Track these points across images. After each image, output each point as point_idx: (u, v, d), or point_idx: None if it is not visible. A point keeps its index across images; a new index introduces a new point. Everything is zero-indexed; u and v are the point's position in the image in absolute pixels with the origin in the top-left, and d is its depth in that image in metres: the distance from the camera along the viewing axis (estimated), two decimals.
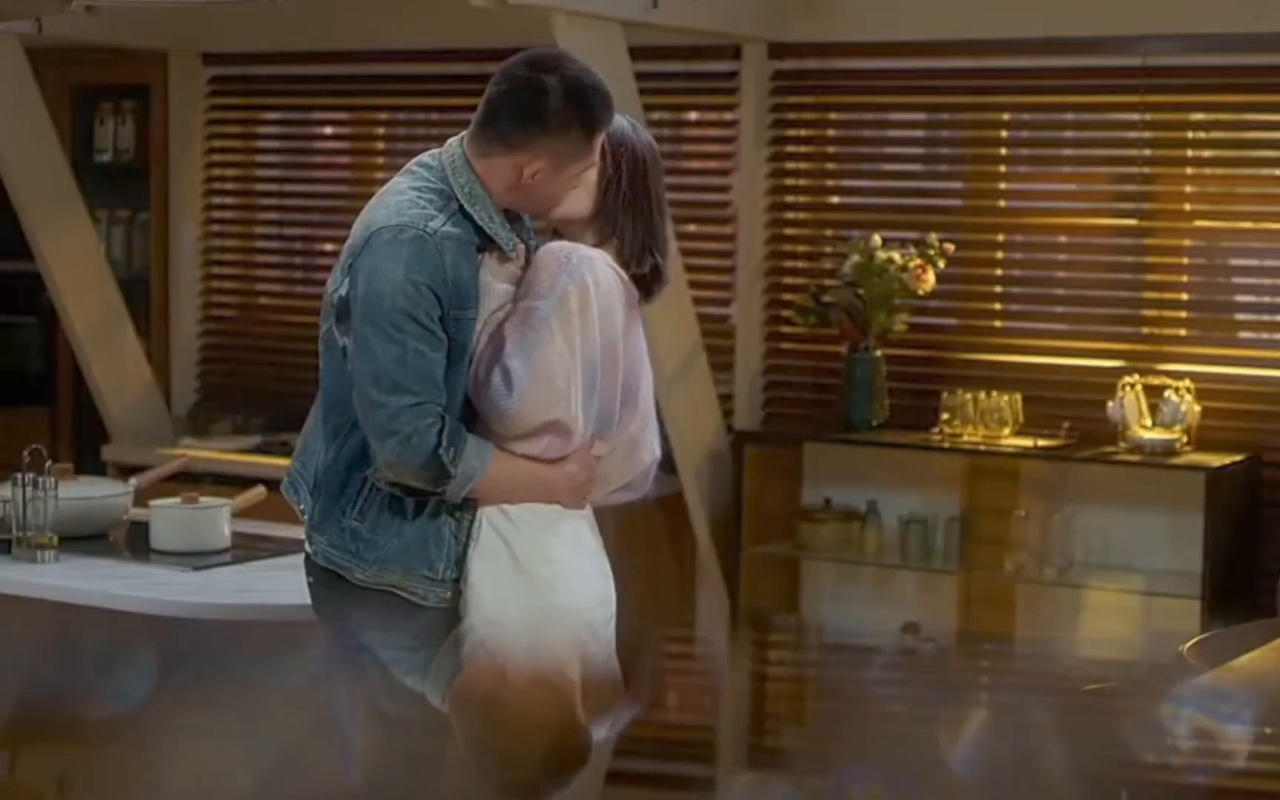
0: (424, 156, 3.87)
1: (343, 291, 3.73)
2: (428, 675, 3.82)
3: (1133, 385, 6.50)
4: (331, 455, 3.82)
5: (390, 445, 3.68)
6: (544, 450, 3.80)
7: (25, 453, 4.72)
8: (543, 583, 3.82)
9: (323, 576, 3.85)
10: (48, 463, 4.75)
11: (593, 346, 3.78)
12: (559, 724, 3.75)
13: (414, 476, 3.72)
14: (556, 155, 3.78)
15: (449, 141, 3.85)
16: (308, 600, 4.04)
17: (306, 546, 3.89)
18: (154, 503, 4.89)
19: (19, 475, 4.70)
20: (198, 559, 4.73)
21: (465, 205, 3.77)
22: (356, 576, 3.79)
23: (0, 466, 5.02)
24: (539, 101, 3.75)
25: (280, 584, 4.54)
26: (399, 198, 3.76)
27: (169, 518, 4.84)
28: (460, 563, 3.81)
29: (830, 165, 7.21)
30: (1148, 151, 6.68)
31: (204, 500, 4.92)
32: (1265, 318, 6.65)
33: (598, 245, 3.89)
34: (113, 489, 5.15)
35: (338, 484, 3.81)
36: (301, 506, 3.90)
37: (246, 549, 4.87)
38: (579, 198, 3.89)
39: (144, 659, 4.48)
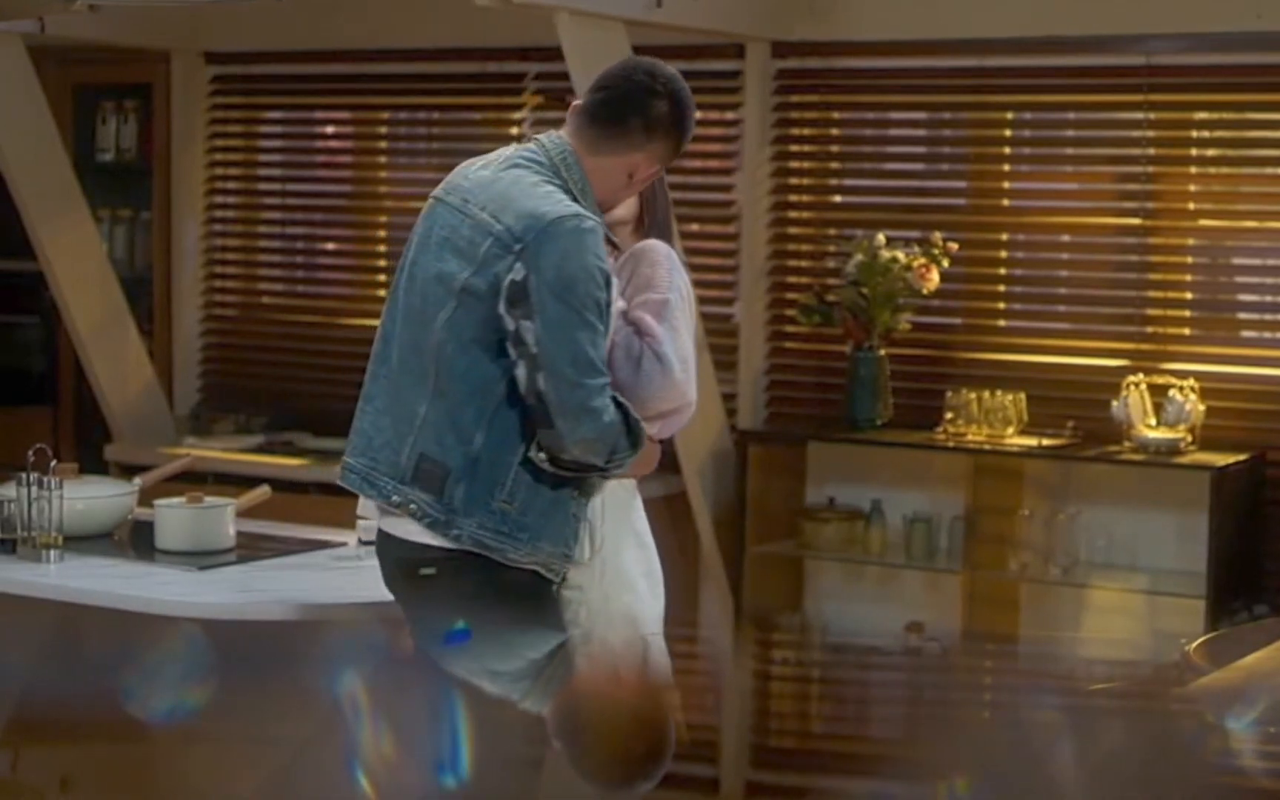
0: (523, 150, 4.02)
1: (516, 276, 3.83)
2: (579, 642, 4.05)
3: (1137, 384, 6.50)
4: (480, 440, 3.88)
5: (587, 425, 3.84)
6: (660, 430, 4.09)
7: (30, 452, 4.71)
8: (651, 553, 4.18)
9: (456, 559, 3.91)
10: (52, 462, 4.74)
11: (692, 334, 4.14)
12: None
13: (600, 454, 3.90)
14: (659, 160, 4.05)
15: (545, 136, 4.01)
16: (314, 599, 4.06)
17: (416, 532, 3.93)
18: (158, 502, 4.88)
19: (23, 475, 4.69)
20: (203, 558, 4.72)
21: (580, 200, 3.95)
22: (510, 556, 3.91)
23: (4, 466, 5.01)
24: (659, 107, 3.99)
25: (287, 583, 4.54)
26: (541, 188, 3.92)
27: (174, 517, 4.83)
28: (582, 540, 4.02)
29: (834, 164, 7.20)
30: (1151, 150, 6.68)
31: (209, 500, 4.91)
32: (1269, 317, 6.64)
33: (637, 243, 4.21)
34: (117, 489, 5.14)
35: (489, 468, 3.89)
36: (395, 498, 3.93)
37: (251, 548, 4.86)
38: (631, 201, 4.18)
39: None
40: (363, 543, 4.81)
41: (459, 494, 3.89)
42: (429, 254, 3.96)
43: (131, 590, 4.53)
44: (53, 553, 4.68)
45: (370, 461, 3.98)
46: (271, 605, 4.40)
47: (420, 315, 3.93)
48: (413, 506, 3.91)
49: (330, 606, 4.39)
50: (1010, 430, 6.62)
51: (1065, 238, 6.92)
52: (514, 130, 7.54)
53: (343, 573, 4.65)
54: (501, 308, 3.85)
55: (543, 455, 3.89)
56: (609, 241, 4.01)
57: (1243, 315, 6.71)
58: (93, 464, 7.18)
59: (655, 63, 4.04)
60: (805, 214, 7.24)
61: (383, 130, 8.06)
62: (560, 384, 3.83)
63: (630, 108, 3.98)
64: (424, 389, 3.91)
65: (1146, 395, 6.50)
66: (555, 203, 3.89)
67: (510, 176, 3.95)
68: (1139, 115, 6.68)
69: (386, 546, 4.04)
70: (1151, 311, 6.70)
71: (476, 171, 4.02)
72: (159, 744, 4.75)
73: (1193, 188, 6.70)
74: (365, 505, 4.32)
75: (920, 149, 7.23)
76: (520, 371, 3.85)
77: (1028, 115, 6.97)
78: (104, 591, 4.53)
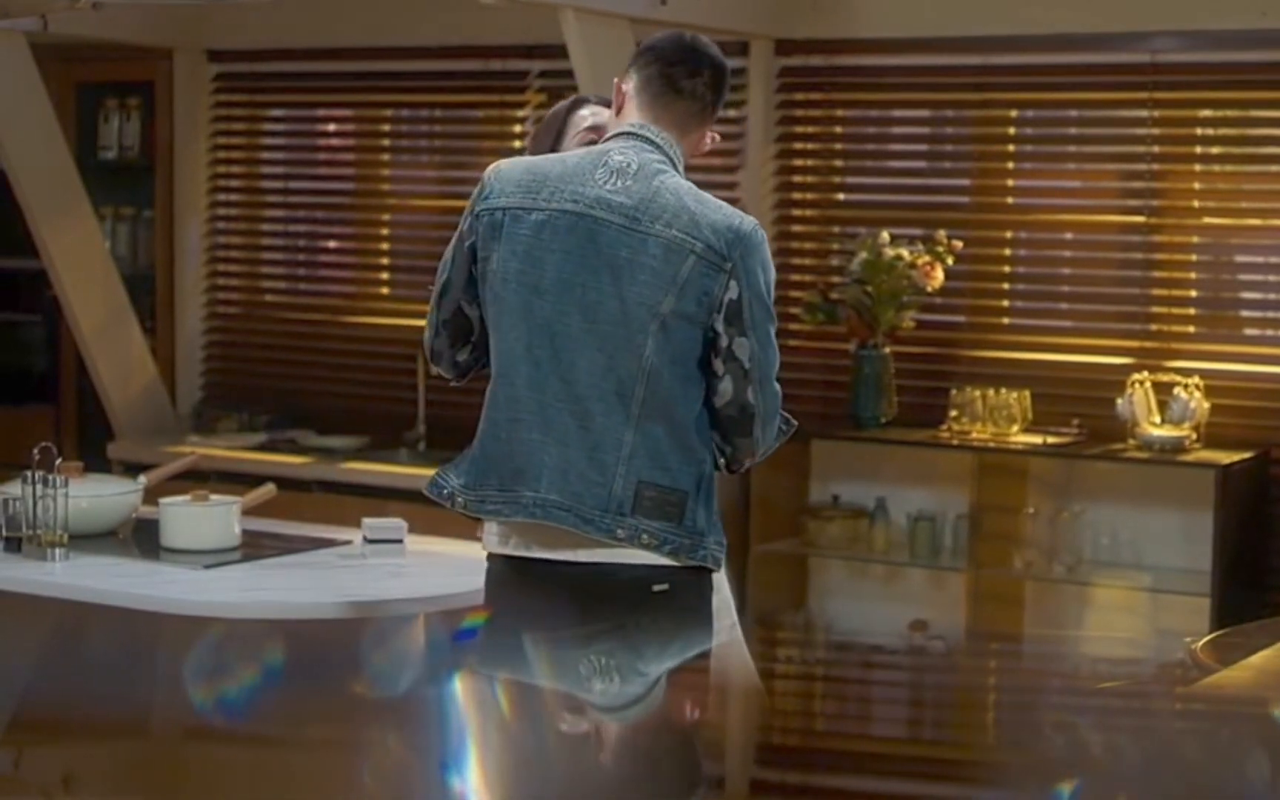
0: (642, 148, 3.87)
1: (732, 295, 3.79)
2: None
3: (1141, 382, 6.49)
4: (709, 460, 3.87)
5: (775, 430, 3.93)
6: None
7: (35, 451, 4.71)
8: None
9: (684, 573, 3.86)
10: (57, 461, 4.73)
11: None
12: None
13: (770, 455, 4.02)
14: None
15: (645, 128, 3.89)
16: (321, 598, 4.04)
17: (640, 557, 3.83)
18: (164, 501, 4.88)
19: (29, 473, 4.69)
20: (208, 557, 4.72)
21: None
22: (718, 560, 3.91)
23: (6, 464, 5.01)
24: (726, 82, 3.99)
25: (293, 581, 4.54)
26: (705, 194, 3.89)
27: (179, 516, 4.83)
28: None
29: (837, 162, 7.20)
30: (1156, 148, 6.67)
31: (214, 498, 4.91)
32: (1273, 315, 6.64)
33: None
34: (122, 487, 5.14)
35: (711, 484, 3.89)
36: (620, 532, 3.81)
37: (255, 547, 4.86)
38: None
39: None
40: (369, 540, 4.81)
41: (700, 517, 3.84)
42: (601, 276, 3.79)
43: (137, 589, 4.53)
44: (58, 551, 4.68)
45: (572, 496, 3.81)
46: (279, 604, 4.40)
47: (615, 340, 3.79)
48: (645, 538, 3.80)
49: (337, 605, 4.38)
50: (1015, 428, 6.62)
51: (1069, 235, 6.91)
52: (517, 128, 7.54)
53: (349, 571, 4.66)
54: (720, 326, 3.80)
55: (724, 463, 3.93)
56: None
57: (1247, 313, 6.71)
58: (95, 462, 7.16)
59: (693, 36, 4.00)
60: (809, 212, 7.23)
61: (385, 128, 8.05)
62: (769, 394, 3.86)
63: (716, 85, 3.95)
64: (625, 415, 3.80)
65: (1151, 393, 6.49)
66: (732, 211, 3.87)
67: (669, 185, 3.85)
68: (1143, 113, 6.68)
69: (590, 571, 3.86)
70: (1156, 309, 6.70)
71: (616, 182, 3.84)
72: (162, 742, 4.74)
73: (1197, 185, 6.69)
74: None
75: (924, 147, 7.22)
76: (727, 385, 3.83)
77: (1032, 113, 6.96)
78: (110, 590, 4.53)
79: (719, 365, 3.82)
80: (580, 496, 3.80)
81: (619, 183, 3.81)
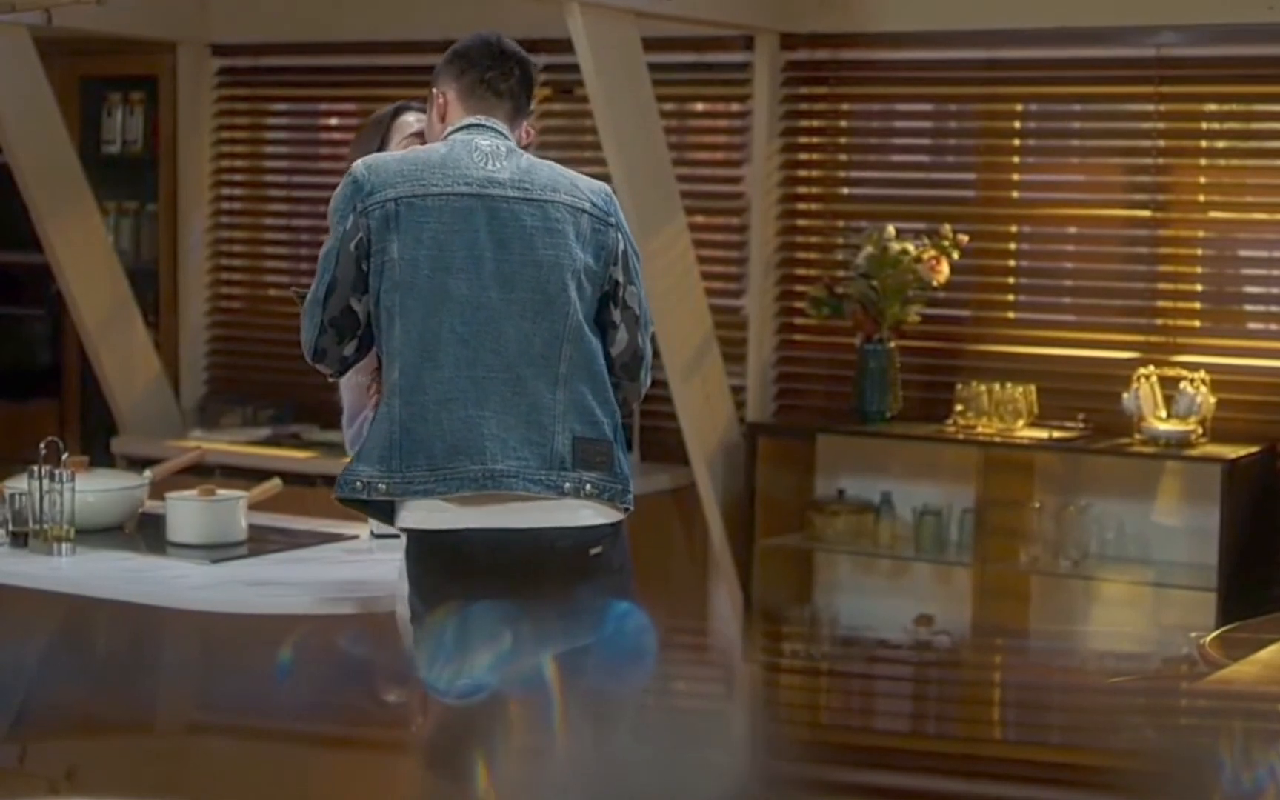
0: (501, 141, 4.10)
1: (620, 246, 4.09)
2: None
3: (1147, 377, 6.48)
4: (618, 410, 4.10)
5: (650, 371, 4.19)
6: None
7: (41, 445, 4.69)
8: None
9: (611, 531, 4.06)
10: (63, 455, 4.72)
11: None
12: None
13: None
14: None
15: (475, 121, 4.11)
16: (329, 593, 4.04)
17: (585, 516, 4.01)
18: (170, 496, 4.86)
19: (35, 468, 4.67)
20: (215, 552, 4.70)
21: None
22: (627, 509, 4.10)
23: (10, 459, 5.00)
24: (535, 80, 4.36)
25: (300, 576, 4.52)
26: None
27: (186, 511, 4.81)
28: None
29: (842, 156, 7.19)
30: (1161, 142, 6.66)
31: (221, 493, 4.89)
32: (1279, 309, 6.63)
33: None
34: (128, 482, 5.12)
35: (622, 431, 4.12)
36: (567, 485, 3.98)
37: (261, 542, 4.85)
38: None
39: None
40: (375, 535, 4.80)
41: (624, 463, 4.06)
42: (511, 248, 3.98)
43: (143, 584, 4.52)
44: (64, 546, 4.66)
45: (520, 462, 3.95)
46: (286, 599, 4.39)
47: (535, 305, 3.98)
48: (588, 488, 3.99)
49: (345, 600, 4.37)
50: (1020, 423, 6.61)
51: (1075, 230, 6.90)
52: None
53: (356, 565, 4.64)
54: (619, 276, 4.07)
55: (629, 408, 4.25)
56: None
57: (1253, 307, 6.70)
58: (99, 457, 7.16)
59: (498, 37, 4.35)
60: (814, 206, 7.22)
61: None
62: (648, 338, 4.15)
63: (531, 84, 4.28)
64: (550, 374, 3.99)
65: (1157, 387, 6.48)
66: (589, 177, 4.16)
67: (536, 161, 4.09)
68: (1149, 107, 6.67)
69: (529, 538, 3.99)
70: (1162, 303, 6.69)
71: (494, 164, 4.04)
72: (166, 737, 4.73)
73: (1203, 179, 6.68)
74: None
75: (929, 141, 7.21)
76: (623, 334, 4.09)
77: (1037, 107, 6.95)
78: (116, 585, 4.51)
79: (616, 315, 4.08)
80: (525, 460, 3.95)
81: (495, 163, 4.03)
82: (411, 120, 4.38)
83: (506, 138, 4.10)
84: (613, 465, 4.02)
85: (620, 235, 4.08)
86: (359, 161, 4.06)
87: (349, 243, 3.99)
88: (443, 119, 4.15)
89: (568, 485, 3.96)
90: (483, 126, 4.09)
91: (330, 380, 4.23)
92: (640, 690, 4.04)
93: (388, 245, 3.96)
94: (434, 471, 3.94)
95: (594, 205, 4.06)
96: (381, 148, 4.34)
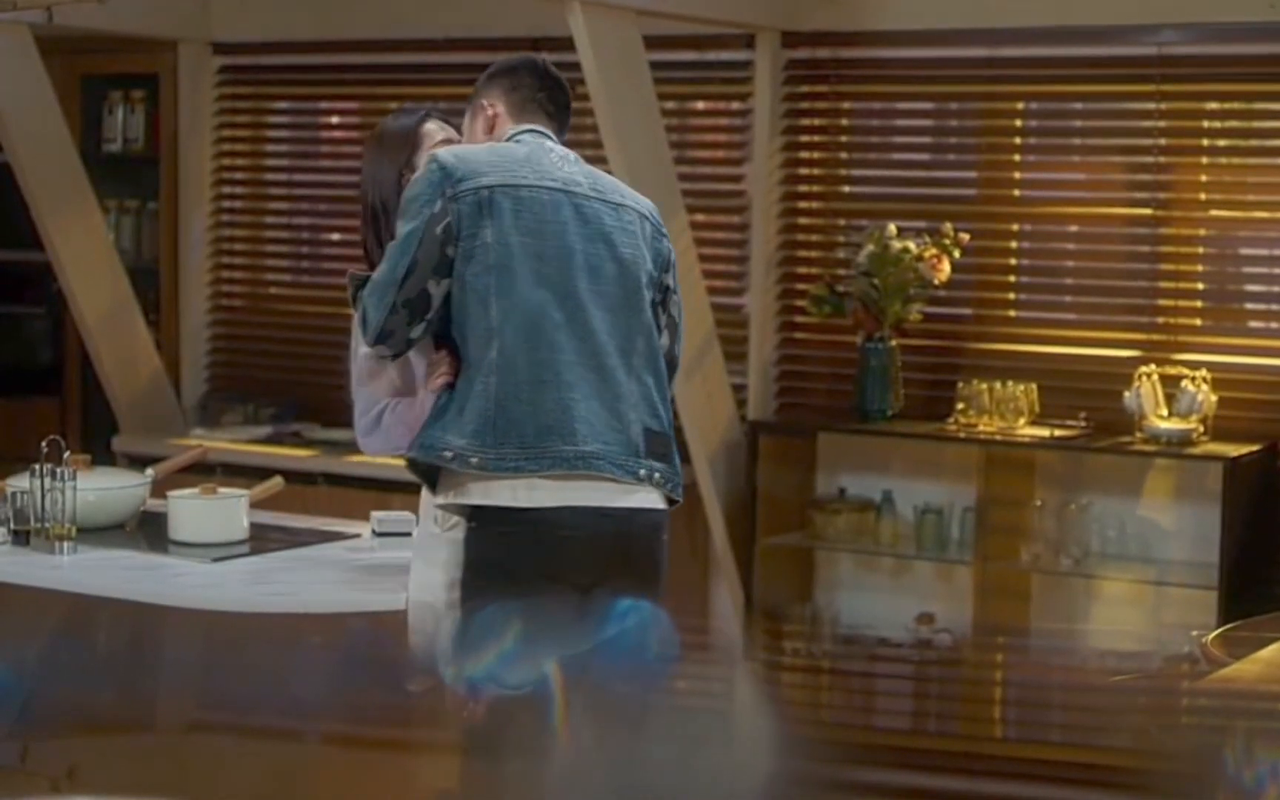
0: (552, 141, 4.25)
1: (671, 256, 4.29)
2: None
3: (1149, 375, 6.48)
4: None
5: (675, 380, 4.35)
6: None
7: (43, 443, 4.68)
8: None
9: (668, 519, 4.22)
10: (65, 454, 4.72)
11: None
12: None
13: None
14: None
15: (535, 129, 4.22)
16: (331, 592, 4.03)
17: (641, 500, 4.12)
18: (172, 494, 4.85)
19: (37, 466, 4.67)
20: (216, 550, 4.70)
21: None
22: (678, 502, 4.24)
23: (10, 457, 4.99)
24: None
25: (302, 575, 4.52)
26: None
27: (187, 509, 4.80)
28: None
29: (844, 154, 7.19)
30: (1162, 141, 6.66)
31: (222, 491, 4.89)
32: None
33: None
34: (130, 480, 5.11)
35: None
36: (642, 471, 4.10)
37: (263, 540, 4.84)
38: None
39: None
40: (377, 534, 4.80)
41: (677, 457, 4.21)
42: (596, 243, 4.12)
43: (145, 582, 4.51)
44: (66, 544, 4.66)
45: (605, 445, 4.07)
46: (287, 597, 4.38)
47: (616, 299, 4.12)
48: (657, 476, 4.12)
49: (348, 599, 4.37)
50: (1022, 421, 6.61)
51: (1076, 228, 6.90)
52: None
53: (359, 564, 4.63)
54: (670, 282, 4.27)
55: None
56: None
57: (1255, 305, 6.70)
58: (100, 456, 7.16)
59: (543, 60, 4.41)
60: (815, 204, 7.22)
61: None
62: (682, 345, 4.35)
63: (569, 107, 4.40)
64: (626, 365, 4.12)
65: (1158, 386, 6.48)
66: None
67: (596, 170, 4.25)
68: (1150, 105, 6.67)
69: (610, 520, 4.09)
70: (1163, 302, 6.68)
71: (569, 166, 4.18)
72: (168, 736, 4.73)
73: (1204, 178, 6.68)
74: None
75: (930, 139, 7.20)
76: (665, 338, 4.25)
77: (1038, 105, 6.95)
78: (118, 584, 4.50)
79: (663, 319, 4.25)
80: (609, 444, 4.06)
81: (568, 167, 4.18)
82: (434, 128, 4.38)
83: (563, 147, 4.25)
84: (672, 458, 4.17)
85: (670, 246, 4.27)
86: (444, 150, 4.15)
87: (435, 226, 4.05)
88: (490, 131, 4.25)
89: (643, 472, 4.09)
90: (544, 133, 4.23)
91: (390, 359, 4.21)
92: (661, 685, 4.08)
93: (480, 231, 4.04)
94: (524, 450, 4.01)
95: (652, 214, 4.25)
96: (413, 154, 4.33)
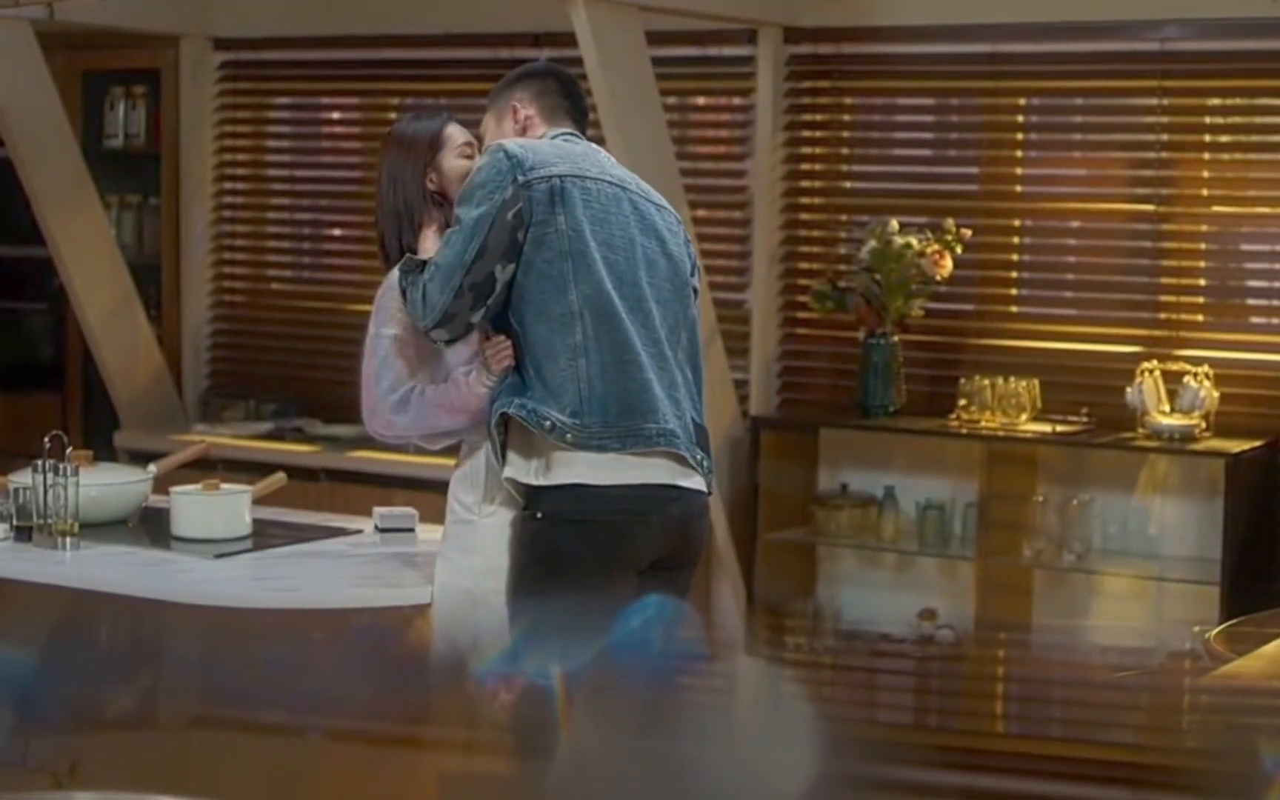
0: (583, 139, 4.36)
1: (697, 261, 4.46)
2: None
3: (1151, 371, 6.48)
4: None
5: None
6: None
7: (45, 439, 4.69)
8: None
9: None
10: (67, 450, 4.72)
11: None
12: None
13: None
14: None
15: (573, 133, 4.35)
16: (334, 588, 4.03)
17: (697, 483, 4.26)
18: (174, 490, 4.86)
19: (39, 462, 4.67)
20: (219, 546, 4.70)
21: None
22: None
23: (12, 453, 4.99)
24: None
25: (305, 570, 4.52)
26: None
27: (190, 505, 4.81)
28: None
29: (846, 150, 7.18)
30: (1165, 137, 6.66)
31: (225, 487, 4.89)
32: None
33: None
34: (133, 476, 5.11)
35: None
36: (698, 456, 4.26)
37: (265, 536, 4.84)
38: None
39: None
40: (380, 529, 4.80)
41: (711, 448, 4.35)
42: (650, 237, 4.27)
43: (148, 578, 4.51)
44: (68, 540, 4.66)
45: (678, 425, 4.21)
46: (290, 593, 4.38)
47: (668, 292, 4.27)
48: (704, 464, 4.27)
49: (350, 594, 4.37)
50: (1024, 417, 6.61)
51: (1078, 224, 6.90)
52: None
53: (361, 559, 4.64)
54: (698, 285, 4.42)
55: None
56: None
57: (1257, 301, 6.69)
58: (102, 451, 7.16)
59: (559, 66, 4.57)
60: (817, 200, 7.22)
61: (392, 116, 8.02)
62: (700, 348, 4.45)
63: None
64: (676, 358, 4.26)
65: (1160, 382, 6.48)
66: None
67: (633, 174, 4.36)
68: (1152, 101, 6.66)
69: (679, 500, 4.22)
70: (1165, 298, 6.68)
71: (614, 167, 4.32)
72: (170, 732, 4.72)
73: (1206, 174, 6.68)
74: None
75: (932, 135, 7.20)
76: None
77: (1040, 101, 6.94)
78: (120, 579, 4.51)
79: (696, 312, 4.40)
80: (676, 427, 4.21)
81: (617, 167, 4.33)
82: (456, 132, 4.44)
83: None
84: (709, 450, 4.32)
85: (695, 251, 4.46)
86: (509, 140, 4.23)
87: (506, 211, 4.13)
88: (522, 133, 4.33)
89: (697, 456, 4.25)
90: (580, 137, 4.35)
91: (445, 345, 4.25)
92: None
93: (552, 217, 4.14)
94: (609, 428, 4.13)
95: (681, 222, 4.42)
96: (437, 154, 4.39)
